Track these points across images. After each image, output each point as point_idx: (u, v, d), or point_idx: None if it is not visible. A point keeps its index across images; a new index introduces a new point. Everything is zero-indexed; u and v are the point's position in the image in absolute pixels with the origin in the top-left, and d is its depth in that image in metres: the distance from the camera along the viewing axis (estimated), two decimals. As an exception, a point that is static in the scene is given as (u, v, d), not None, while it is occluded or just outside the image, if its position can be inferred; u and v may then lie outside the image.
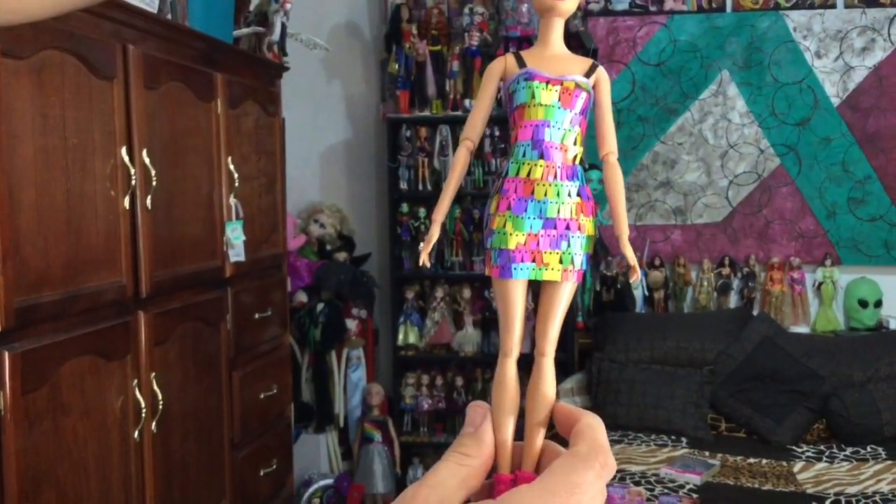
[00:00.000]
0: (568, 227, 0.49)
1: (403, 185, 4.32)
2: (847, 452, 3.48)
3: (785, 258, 4.32)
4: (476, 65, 4.24)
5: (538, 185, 0.48)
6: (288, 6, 3.15)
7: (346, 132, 4.69)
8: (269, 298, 3.08)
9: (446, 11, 4.41)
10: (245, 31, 3.09)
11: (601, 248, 4.29)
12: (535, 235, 0.48)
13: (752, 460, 3.40)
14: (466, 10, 4.30)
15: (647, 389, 3.70)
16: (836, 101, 4.25)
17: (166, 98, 2.31)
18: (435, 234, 0.51)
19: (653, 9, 4.37)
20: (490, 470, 0.47)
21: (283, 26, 3.19)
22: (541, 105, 0.49)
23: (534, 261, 0.48)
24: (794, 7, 4.28)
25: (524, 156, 0.49)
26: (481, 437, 0.47)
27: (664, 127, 4.38)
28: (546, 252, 0.48)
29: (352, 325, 4.31)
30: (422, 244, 0.52)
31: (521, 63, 0.50)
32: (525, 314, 0.50)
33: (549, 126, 0.48)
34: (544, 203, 0.48)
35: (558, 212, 0.48)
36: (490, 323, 4.33)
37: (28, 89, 1.75)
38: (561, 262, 0.49)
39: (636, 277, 0.54)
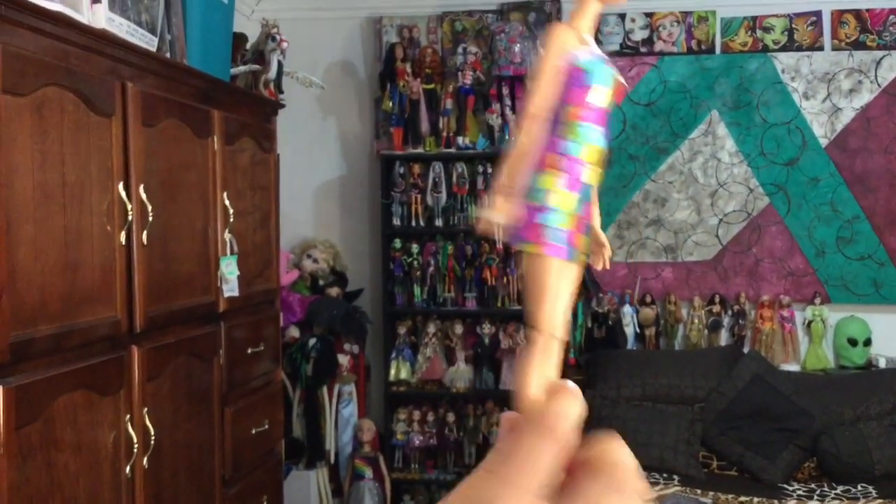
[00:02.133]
0: (588, 215, 0.49)
1: (396, 221, 4.35)
2: (838, 491, 3.48)
3: (775, 296, 4.35)
4: (469, 103, 4.29)
5: (593, 171, 0.48)
6: (284, 45, 3.20)
7: (340, 168, 4.72)
8: (262, 333, 3.08)
9: (440, 51, 4.47)
10: (242, 68, 3.14)
11: (592, 285, 4.32)
12: (578, 218, 0.47)
13: (743, 498, 3.39)
14: (460, 50, 4.37)
15: (639, 427, 3.71)
16: (824, 142, 4.31)
17: (164, 135, 2.33)
18: (509, 186, 0.48)
19: (643, 50, 4.44)
20: None
21: (280, 64, 3.24)
22: (609, 94, 0.49)
23: (575, 244, 0.47)
24: (783, 49, 4.35)
25: (593, 139, 0.48)
26: (500, 451, 0.46)
27: (654, 165, 4.43)
28: (580, 237, 0.47)
29: (344, 360, 4.31)
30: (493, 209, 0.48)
31: (581, 41, 0.50)
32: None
33: (609, 115, 0.49)
34: (589, 188, 0.48)
35: (590, 199, 0.49)
36: (482, 359, 4.33)
37: (28, 125, 1.78)
38: (585, 248, 0.48)
39: (606, 256, 0.54)
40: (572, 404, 0.44)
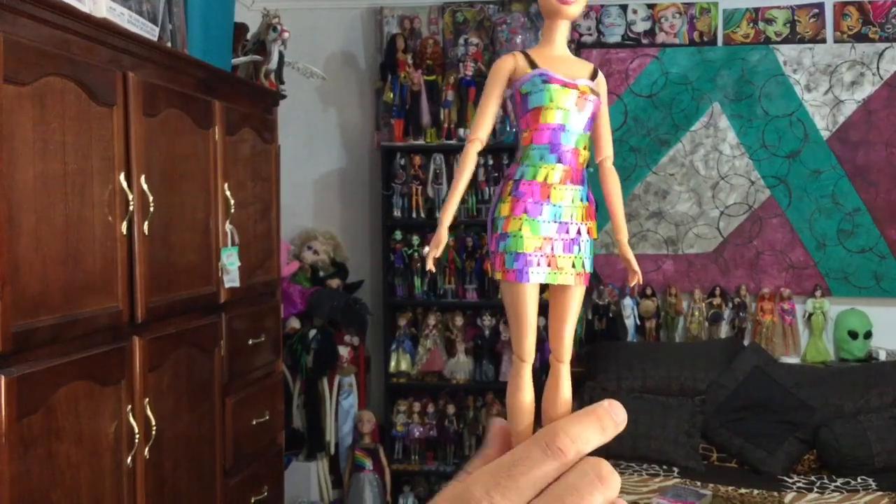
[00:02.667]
0: (579, 232, 0.49)
1: (397, 213, 4.34)
2: (838, 483, 3.48)
3: (775, 289, 4.35)
4: (470, 95, 4.28)
5: (555, 188, 0.48)
6: (286, 35, 3.19)
7: (340, 160, 4.71)
8: (263, 325, 3.08)
9: (441, 42, 4.46)
10: (243, 59, 3.13)
11: (593, 277, 4.31)
12: (550, 239, 0.48)
13: (743, 490, 3.40)
14: (461, 41, 4.35)
15: (639, 419, 3.71)
16: (825, 134, 4.31)
17: (165, 125, 2.33)
18: (443, 236, 0.50)
19: (645, 41, 4.43)
20: None
21: (281, 55, 3.23)
22: (559, 108, 0.48)
23: (549, 265, 0.48)
24: (785, 41, 4.34)
25: (541, 159, 0.48)
26: (489, 457, 0.47)
27: (656, 158, 4.42)
28: (560, 256, 0.48)
29: (344, 351, 4.31)
30: (426, 249, 0.51)
31: (531, 63, 0.50)
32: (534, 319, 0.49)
33: (565, 130, 0.48)
34: (559, 207, 0.48)
35: (571, 216, 0.48)
36: (482, 351, 4.33)
37: (29, 115, 1.77)
38: (573, 265, 0.49)
39: (636, 280, 0.53)
40: (596, 433, 0.44)
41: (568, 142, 0.48)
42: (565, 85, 0.48)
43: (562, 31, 0.50)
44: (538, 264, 0.48)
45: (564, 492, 0.42)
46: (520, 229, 0.48)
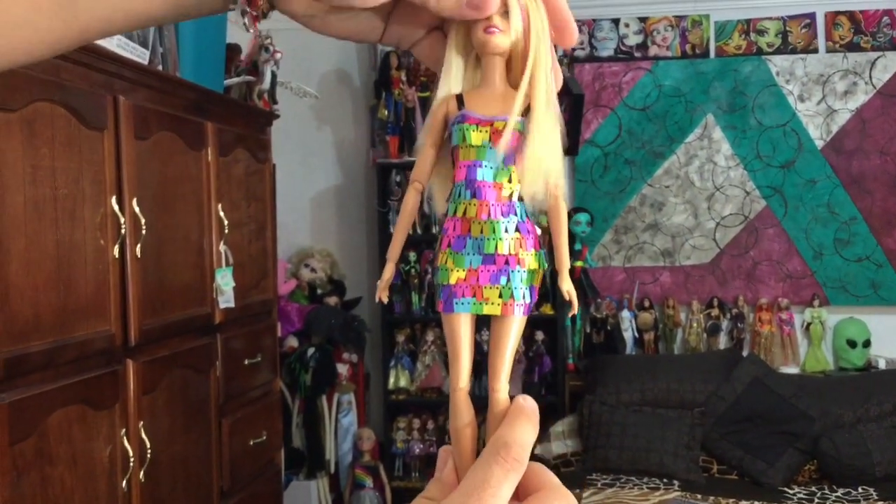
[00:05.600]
0: (507, 263, 0.49)
1: (393, 230, 4.33)
2: (839, 494, 3.47)
3: (773, 299, 4.35)
4: (464, 110, 4.28)
5: (474, 223, 0.49)
6: (278, 56, 3.20)
7: (336, 177, 4.72)
8: (260, 344, 3.08)
9: (435, 58, 4.47)
10: (235, 80, 3.14)
11: (590, 290, 4.31)
12: (475, 271, 0.49)
13: (744, 502, 3.38)
14: (454, 57, 4.36)
15: (639, 432, 3.70)
16: (820, 144, 4.31)
17: (157, 147, 2.33)
18: (389, 272, 0.52)
19: (637, 55, 4.44)
20: None
21: (274, 75, 3.24)
22: (472, 146, 0.50)
23: (474, 295, 0.49)
24: (777, 52, 4.36)
25: (460, 196, 0.50)
26: (444, 480, 0.48)
27: (651, 170, 4.43)
28: (486, 287, 0.49)
29: (343, 369, 4.30)
30: (379, 281, 0.53)
31: (460, 104, 0.51)
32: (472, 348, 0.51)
33: (480, 166, 0.49)
34: (481, 240, 0.49)
35: (496, 248, 0.49)
36: (481, 366, 4.31)
37: (19, 140, 1.77)
38: (501, 296, 0.49)
39: (574, 311, 0.55)
40: (533, 432, 0.47)
41: (484, 177, 0.49)
42: (479, 123, 0.50)
43: (494, 67, 0.51)
44: (463, 295, 0.49)
45: None
46: (445, 262, 0.50)
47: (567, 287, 0.52)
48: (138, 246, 2.19)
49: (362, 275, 4.66)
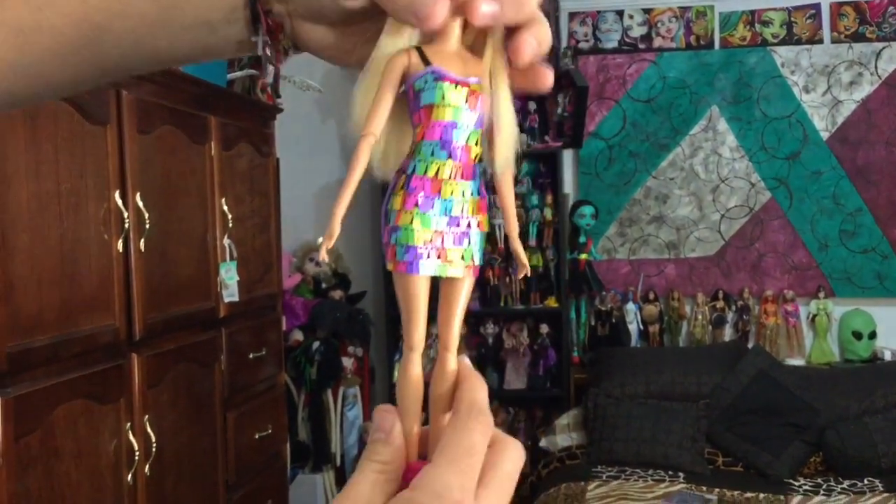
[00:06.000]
0: (469, 225, 0.50)
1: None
2: (844, 485, 3.47)
3: (778, 291, 4.34)
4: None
5: (446, 184, 0.49)
6: (281, 49, 3.19)
7: (340, 171, 4.72)
8: (264, 338, 3.08)
9: (438, 51, 4.47)
10: (239, 73, 3.13)
11: (595, 283, 4.31)
12: (440, 233, 0.49)
13: (749, 494, 3.38)
14: (458, 50, 4.36)
15: (644, 424, 3.70)
16: (825, 135, 4.30)
17: (160, 142, 2.33)
18: (335, 229, 0.51)
19: (642, 46, 4.43)
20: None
21: (277, 69, 3.24)
22: (449, 106, 0.49)
23: (439, 257, 0.49)
24: (782, 43, 4.34)
25: (433, 155, 0.49)
26: (393, 442, 0.48)
27: (655, 162, 4.42)
28: (450, 249, 0.49)
29: (348, 363, 4.30)
30: (320, 239, 0.52)
31: (424, 60, 0.50)
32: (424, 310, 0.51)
33: (456, 127, 0.49)
34: (450, 201, 0.49)
35: (462, 210, 0.49)
36: (485, 359, 4.33)
37: (22, 136, 1.78)
38: (463, 258, 0.50)
39: (524, 272, 0.55)
40: (486, 392, 0.48)
41: (459, 138, 0.49)
42: (457, 83, 0.49)
43: (455, 26, 0.50)
44: (428, 257, 0.49)
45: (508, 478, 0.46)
46: (411, 222, 0.49)
47: (518, 248, 0.53)
48: (142, 240, 2.19)
49: (367, 268, 4.66)
